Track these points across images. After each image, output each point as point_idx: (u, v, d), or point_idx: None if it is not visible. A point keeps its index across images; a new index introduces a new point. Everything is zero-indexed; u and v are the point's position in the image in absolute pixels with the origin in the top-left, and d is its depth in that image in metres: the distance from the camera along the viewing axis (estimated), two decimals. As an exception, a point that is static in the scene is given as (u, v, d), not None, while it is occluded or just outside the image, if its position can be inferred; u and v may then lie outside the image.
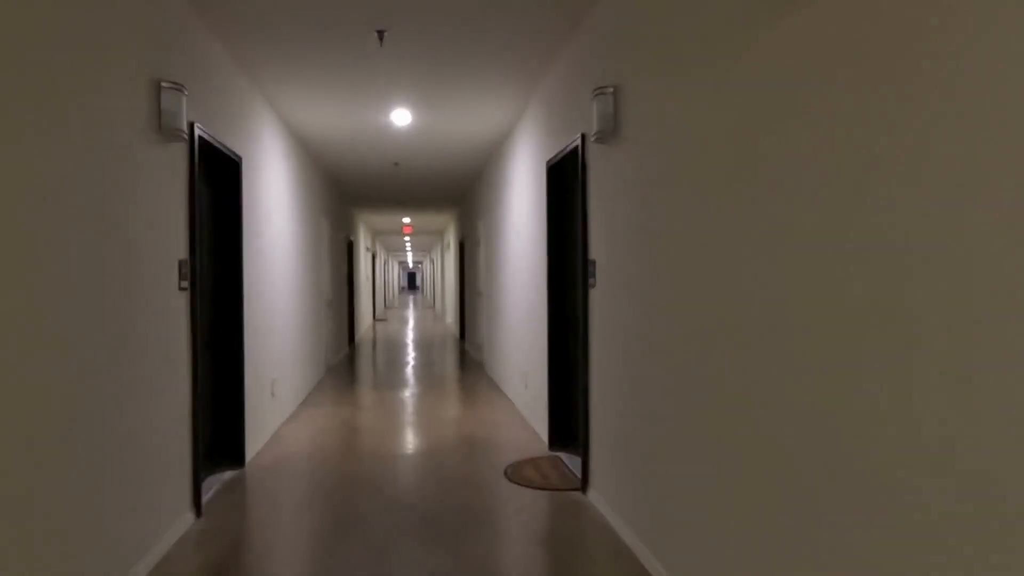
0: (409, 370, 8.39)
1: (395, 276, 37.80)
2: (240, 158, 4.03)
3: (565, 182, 4.33)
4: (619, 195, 2.99)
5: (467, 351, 10.64)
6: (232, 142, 3.95)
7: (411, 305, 29.47)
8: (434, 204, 11.76)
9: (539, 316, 4.79)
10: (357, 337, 12.66)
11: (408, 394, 6.63)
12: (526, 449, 4.47)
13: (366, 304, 15.54)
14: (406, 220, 14.75)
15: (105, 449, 2.31)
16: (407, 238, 20.90)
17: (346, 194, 10.25)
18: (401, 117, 5.45)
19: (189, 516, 3.15)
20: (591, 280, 3.45)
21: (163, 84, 2.77)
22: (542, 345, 4.69)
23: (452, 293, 14.96)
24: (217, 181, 3.95)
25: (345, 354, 10.20)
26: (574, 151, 3.75)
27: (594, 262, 3.40)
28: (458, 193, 10.33)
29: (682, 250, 2.31)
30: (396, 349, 10.97)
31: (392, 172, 8.20)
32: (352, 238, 11.81)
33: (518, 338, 5.76)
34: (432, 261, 27.66)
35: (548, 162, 4.32)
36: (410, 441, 4.71)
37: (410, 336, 13.52)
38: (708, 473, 2.13)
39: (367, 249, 15.94)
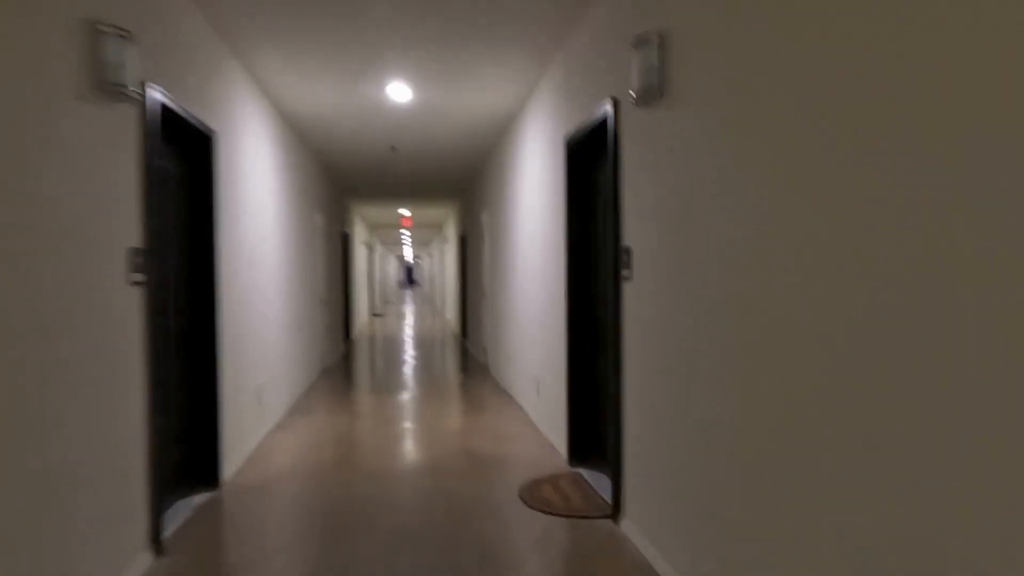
0: (408, 371, 7.86)
1: (393, 271, 37.25)
2: (213, 132, 3.48)
3: (588, 160, 3.79)
4: (664, 169, 2.46)
5: (469, 350, 10.11)
6: (202, 113, 3.40)
7: (409, 301, 28.94)
8: (433, 195, 11.21)
9: (555, 314, 4.26)
10: (353, 334, 12.13)
11: (408, 398, 6.10)
12: (542, 465, 3.94)
13: (363, 300, 15.00)
14: (404, 212, 14.19)
15: (18, 487, 1.78)
16: (405, 232, 20.34)
17: (341, 183, 9.69)
18: (399, 92, 4.90)
19: (146, 556, 2.61)
20: (624, 272, 2.92)
21: (101, 27, 2.22)
22: (559, 347, 4.16)
23: (452, 288, 14.43)
24: (185, 159, 3.41)
25: (341, 353, 9.66)
26: (602, 121, 3.21)
27: (629, 250, 2.86)
28: (459, 184, 9.78)
29: (746, 237, 1.78)
30: (394, 348, 10.43)
31: (389, 159, 7.65)
32: (348, 231, 11.27)
33: (529, 338, 5.23)
34: (431, 255, 27.11)
35: (567, 138, 3.78)
36: (412, 455, 4.18)
37: (409, 333, 12.98)
38: (799, 505, 1.60)
39: (364, 243, 15.39)
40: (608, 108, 3.04)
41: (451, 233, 14.69)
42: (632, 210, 2.83)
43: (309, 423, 5.10)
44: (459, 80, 4.62)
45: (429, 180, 9.39)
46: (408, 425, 5.01)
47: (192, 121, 3.17)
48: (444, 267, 17.79)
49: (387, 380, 7.17)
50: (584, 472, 3.75)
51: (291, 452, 4.27)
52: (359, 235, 14.01)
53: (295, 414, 5.43)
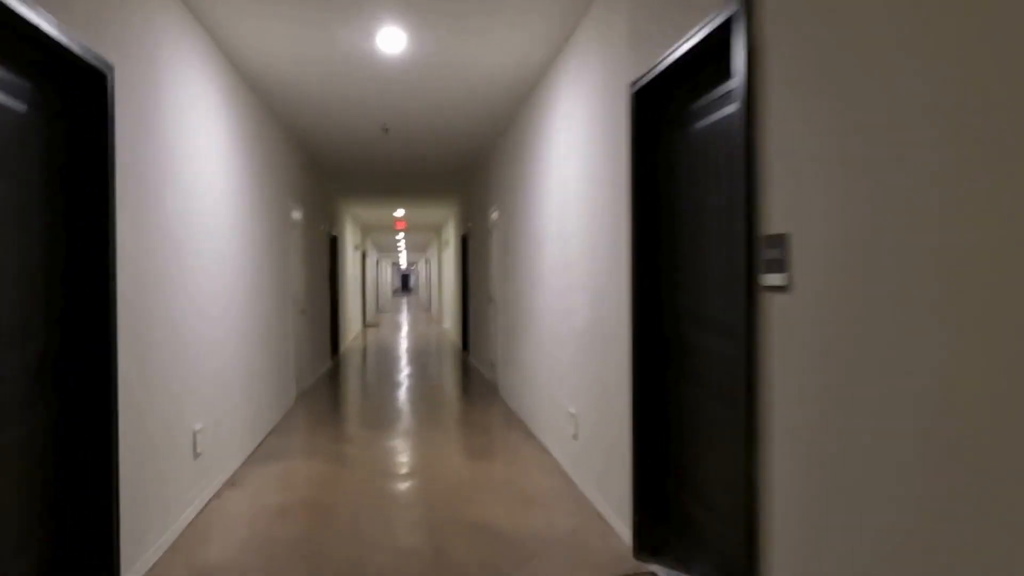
0: (404, 394, 6.65)
1: (388, 278, 36.02)
2: (109, 68, 2.31)
3: (674, 109, 2.61)
4: (875, 91, 1.29)
5: (472, 364, 8.91)
6: (88, 36, 2.22)
7: (405, 308, 27.73)
8: (432, 192, 10.03)
9: (609, 333, 3.08)
10: (343, 348, 10.91)
11: (401, 431, 4.89)
12: (595, 556, 2.74)
13: (354, 308, 13.77)
14: (399, 213, 13.00)
15: None
16: (400, 236, 19.14)
17: (327, 177, 8.51)
18: (392, 40, 3.73)
19: None
20: (770, 278, 1.75)
21: None
22: (617, 380, 2.98)
23: (451, 295, 13.24)
24: (57, 97, 2.22)
25: (327, 370, 8.44)
26: (714, 38, 2.03)
27: (782, 240, 1.69)
28: (462, 177, 8.60)
29: None
30: (389, 363, 9.20)
31: (381, 142, 6.48)
32: (336, 233, 10.07)
33: (560, 361, 4.04)
34: (427, 262, 25.93)
35: (635, 85, 2.62)
36: (404, 533, 2.99)
37: (405, 346, 11.76)
38: None
39: (356, 247, 14.18)
40: (729, 12, 1.87)
41: (450, 236, 13.52)
42: (788, 167, 1.65)
43: (271, 475, 3.90)
44: (469, 21, 3.44)
45: (427, 172, 8.22)
46: (400, 478, 3.81)
47: (62, 39, 1.99)
48: (442, 273, 16.60)
49: (378, 406, 5.96)
50: (663, 574, 2.55)
51: (237, 529, 3.06)
52: (350, 238, 12.82)
53: (256, 461, 4.22)
